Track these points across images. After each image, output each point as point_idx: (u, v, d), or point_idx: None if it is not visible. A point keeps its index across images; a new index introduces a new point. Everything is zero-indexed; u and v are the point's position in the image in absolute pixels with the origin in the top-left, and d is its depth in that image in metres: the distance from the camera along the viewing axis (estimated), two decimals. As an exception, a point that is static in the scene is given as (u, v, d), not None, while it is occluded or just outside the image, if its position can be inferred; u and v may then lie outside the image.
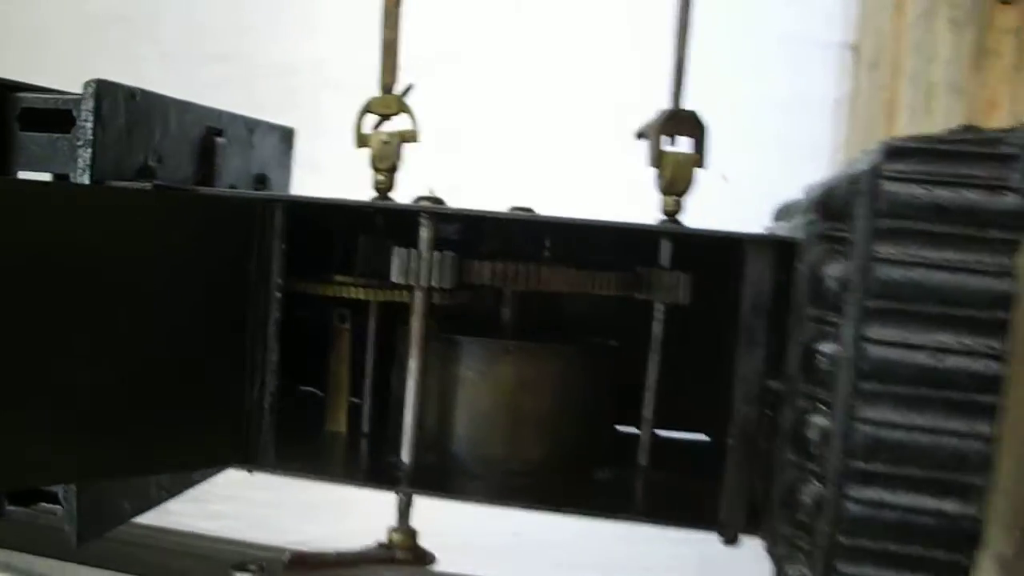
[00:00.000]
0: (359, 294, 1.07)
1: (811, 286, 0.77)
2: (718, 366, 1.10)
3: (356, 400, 1.16)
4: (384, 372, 1.09)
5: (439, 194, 1.03)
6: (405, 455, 1.00)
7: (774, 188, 1.18)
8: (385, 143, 1.04)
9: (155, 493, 1.05)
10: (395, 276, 0.97)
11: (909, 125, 1.72)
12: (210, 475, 1.11)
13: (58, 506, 0.94)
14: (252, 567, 1.06)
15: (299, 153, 1.44)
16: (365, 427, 1.16)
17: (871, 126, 1.86)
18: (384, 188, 1.05)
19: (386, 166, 1.04)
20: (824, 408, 0.75)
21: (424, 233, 0.96)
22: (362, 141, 1.05)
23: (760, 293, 0.87)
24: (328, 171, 1.26)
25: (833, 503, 0.72)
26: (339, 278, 1.10)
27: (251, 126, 1.27)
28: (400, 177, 1.02)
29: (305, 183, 1.40)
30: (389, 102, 1.05)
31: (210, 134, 1.16)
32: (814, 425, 0.77)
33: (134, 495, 1.03)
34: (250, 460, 0.98)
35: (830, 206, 0.76)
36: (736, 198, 1.45)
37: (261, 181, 1.32)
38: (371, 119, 1.01)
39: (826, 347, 0.76)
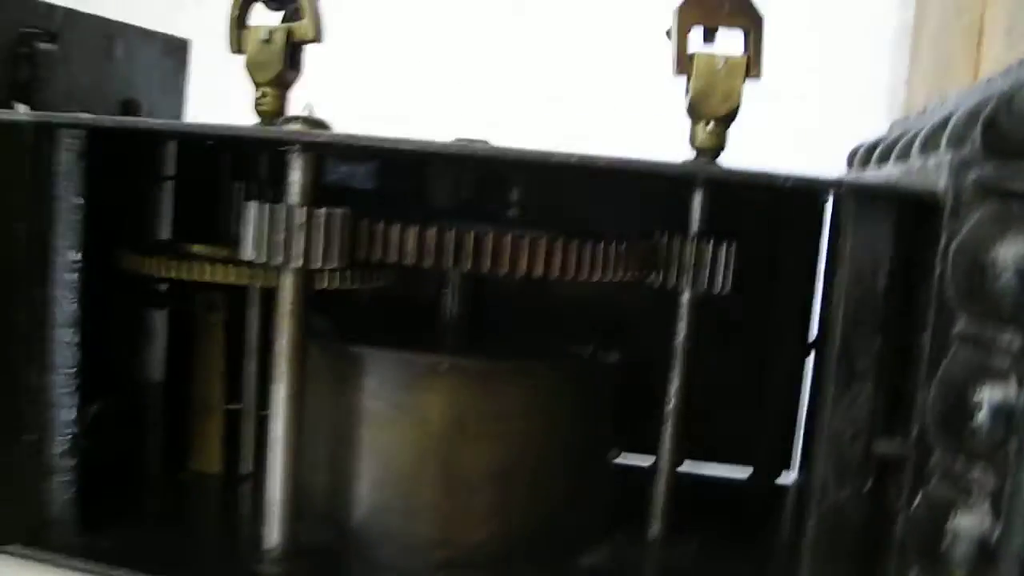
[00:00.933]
0: (203, 274, 0.71)
1: (965, 280, 0.50)
2: (763, 377, 0.94)
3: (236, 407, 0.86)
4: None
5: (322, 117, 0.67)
6: (272, 536, 0.66)
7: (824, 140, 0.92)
8: (265, 42, 0.73)
9: None
10: (250, 250, 0.63)
11: (1006, 50, 1.36)
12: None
13: None
14: None
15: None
16: (247, 465, 0.85)
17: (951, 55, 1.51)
18: (269, 112, 0.74)
19: (266, 78, 0.73)
20: (984, 503, 0.49)
21: (296, 175, 0.62)
22: (237, 42, 0.75)
23: (867, 290, 0.56)
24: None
25: None
26: (196, 249, 0.73)
27: (112, 31, 0.93)
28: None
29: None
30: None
31: (30, 38, 0.84)
32: (962, 533, 0.49)
33: None
34: (34, 540, 0.68)
35: (1007, 130, 0.48)
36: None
37: (130, 109, 0.94)
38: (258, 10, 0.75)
39: (994, 393, 0.48)
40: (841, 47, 1.54)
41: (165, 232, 0.97)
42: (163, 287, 0.90)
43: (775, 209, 0.89)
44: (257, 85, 0.72)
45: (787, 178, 0.55)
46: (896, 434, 0.56)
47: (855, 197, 0.55)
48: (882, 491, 0.57)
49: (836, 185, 0.56)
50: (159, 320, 0.99)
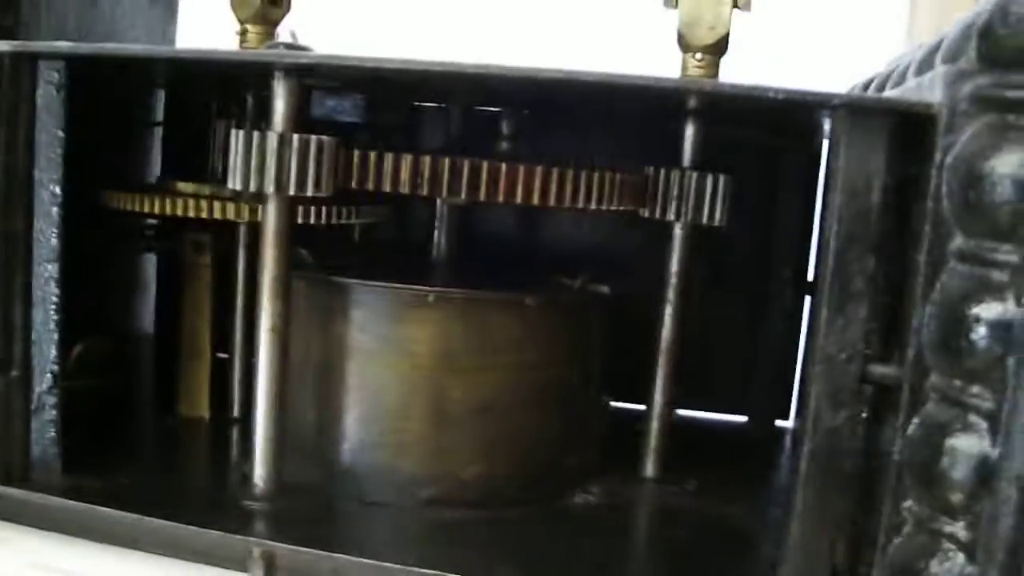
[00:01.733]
0: (188, 209, 0.70)
1: (962, 194, 0.49)
2: (760, 320, 0.92)
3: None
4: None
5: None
6: (260, 476, 0.65)
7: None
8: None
9: None
10: (236, 177, 0.61)
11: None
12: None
13: None
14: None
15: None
16: (235, 409, 0.85)
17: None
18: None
19: (247, 15, 0.70)
20: (982, 422, 0.48)
21: (281, 101, 0.60)
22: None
23: (861, 208, 0.54)
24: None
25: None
26: (181, 186, 0.72)
27: None
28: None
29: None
30: None
31: None
32: (960, 453, 0.49)
33: None
34: (14, 477, 0.67)
35: (1002, 38, 0.48)
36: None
37: (114, 60, 0.93)
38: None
39: (991, 309, 0.48)
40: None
41: (152, 176, 0.97)
42: (150, 229, 0.89)
43: (773, 151, 0.88)
44: (240, 22, 0.70)
45: (778, 91, 0.52)
46: (891, 358, 0.54)
47: (849, 111, 0.54)
48: (877, 417, 0.55)
49: (829, 99, 0.54)
50: (149, 266, 0.98)
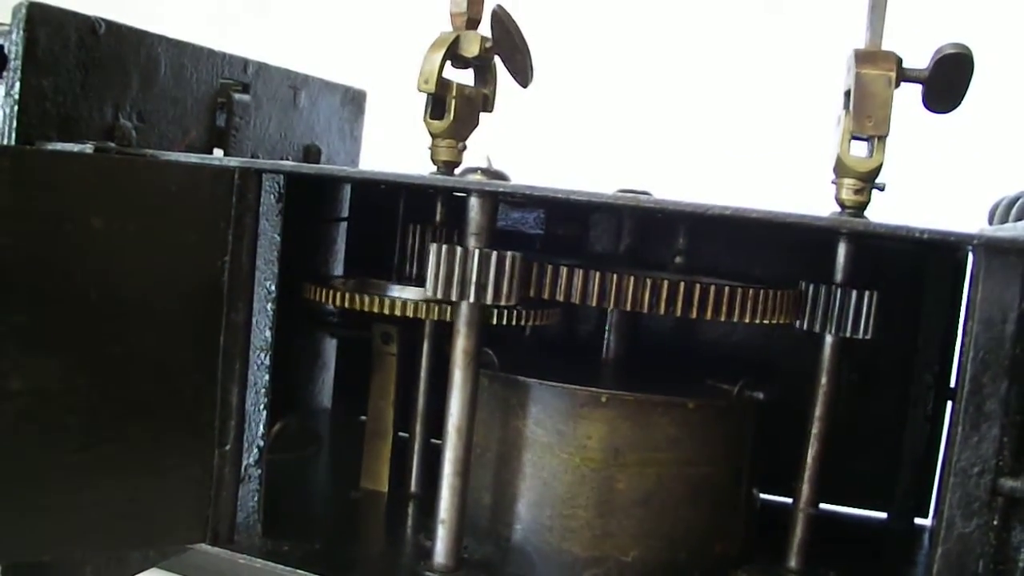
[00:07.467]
0: (377, 306, 0.77)
1: None
2: (903, 422, 0.95)
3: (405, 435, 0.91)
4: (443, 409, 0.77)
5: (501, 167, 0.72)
6: (440, 552, 0.71)
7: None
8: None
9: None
10: (431, 286, 0.68)
11: None
12: (172, 554, 0.80)
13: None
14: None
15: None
16: (413, 485, 0.90)
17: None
18: (444, 161, 0.77)
19: (439, 130, 0.76)
20: None
21: (475, 218, 0.68)
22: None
23: (996, 336, 0.59)
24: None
25: None
26: (376, 283, 0.80)
27: (296, 83, 0.98)
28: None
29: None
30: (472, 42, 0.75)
31: (227, 89, 0.92)
32: None
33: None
34: (221, 539, 0.74)
35: None
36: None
37: (311, 154, 1.01)
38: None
39: None
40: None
41: (338, 268, 1.05)
42: (336, 318, 0.96)
43: (920, 258, 0.91)
44: (436, 136, 0.77)
45: (924, 231, 0.59)
46: (1021, 472, 0.58)
47: (986, 251, 0.59)
48: (1007, 525, 0.59)
49: (970, 239, 0.59)
50: (330, 350, 1.06)
